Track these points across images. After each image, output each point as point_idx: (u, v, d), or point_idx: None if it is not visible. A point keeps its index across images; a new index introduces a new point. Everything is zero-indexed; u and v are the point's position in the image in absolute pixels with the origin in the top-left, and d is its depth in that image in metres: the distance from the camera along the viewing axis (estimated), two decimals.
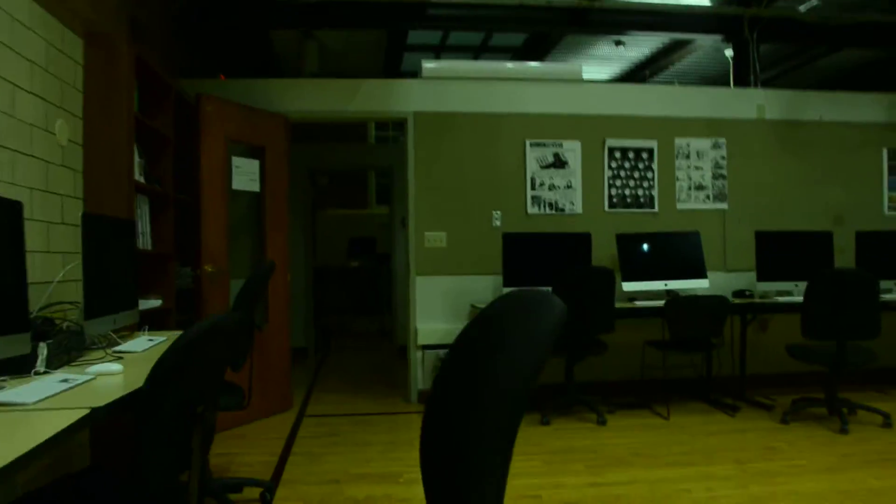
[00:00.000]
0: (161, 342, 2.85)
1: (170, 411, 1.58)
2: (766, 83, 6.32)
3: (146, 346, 2.71)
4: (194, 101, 4.37)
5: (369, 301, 11.76)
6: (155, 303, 3.89)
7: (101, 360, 2.30)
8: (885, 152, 5.68)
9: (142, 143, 3.91)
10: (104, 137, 3.38)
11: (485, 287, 5.21)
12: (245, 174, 4.65)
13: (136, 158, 3.79)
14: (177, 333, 4.13)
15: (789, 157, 5.55)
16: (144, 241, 3.88)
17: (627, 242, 5.11)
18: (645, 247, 5.13)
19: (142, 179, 3.84)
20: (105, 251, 2.73)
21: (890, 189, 5.69)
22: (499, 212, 5.23)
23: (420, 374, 5.19)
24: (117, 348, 2.58)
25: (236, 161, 4.59)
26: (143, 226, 3.87)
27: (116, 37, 3.50)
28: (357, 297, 12.25)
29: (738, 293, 5.23)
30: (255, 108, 4.75)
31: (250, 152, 4.76)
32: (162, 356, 1.57)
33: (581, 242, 5.02)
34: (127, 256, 3.05)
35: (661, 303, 4.57)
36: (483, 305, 5.33)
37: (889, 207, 5.70)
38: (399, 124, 5.24)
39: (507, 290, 4.89)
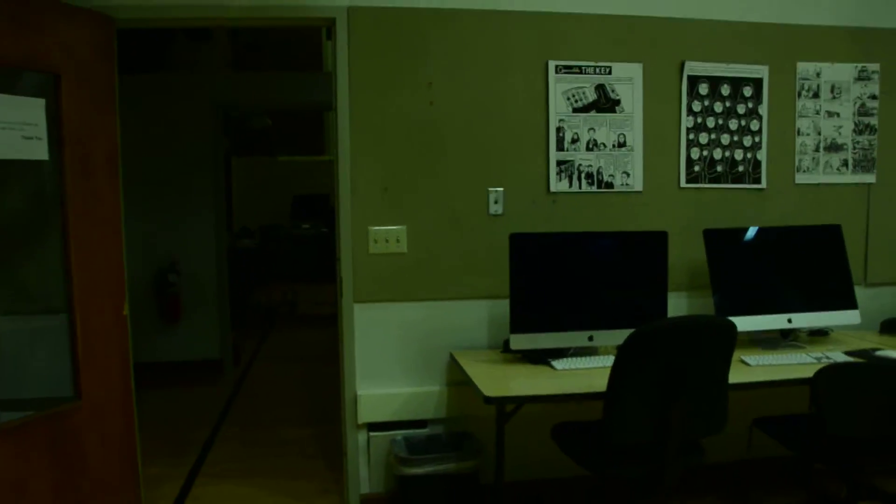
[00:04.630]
0: None
1: None
2: None
3: None
4: None
5: (323, 269, 9.51)
6: None
7: None
8: None
9: None
10: None
11: (476, 321, 2.99)
12: (10, 128, 2.27)
13: None
14: None
15: None
16: None
17: (722, 244, 2.93)
18: (751, 252, 2.96)
19: None
20: None
21: None
22: (499, 189, 2.97)
23: (365, 470, 3.02)
24: None
25: None
26: None
27: None
28: (308, 263, 9.99)
29: (892, 324, 3.15)
30: None
31: (26, 84, 2.37)
32: None
33: (652, 247, 2.81)
34: None
35: (801, 366, 2.44)
36: (466, 352, 2.76)
37: None
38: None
39: (515, 336, 2.68)
